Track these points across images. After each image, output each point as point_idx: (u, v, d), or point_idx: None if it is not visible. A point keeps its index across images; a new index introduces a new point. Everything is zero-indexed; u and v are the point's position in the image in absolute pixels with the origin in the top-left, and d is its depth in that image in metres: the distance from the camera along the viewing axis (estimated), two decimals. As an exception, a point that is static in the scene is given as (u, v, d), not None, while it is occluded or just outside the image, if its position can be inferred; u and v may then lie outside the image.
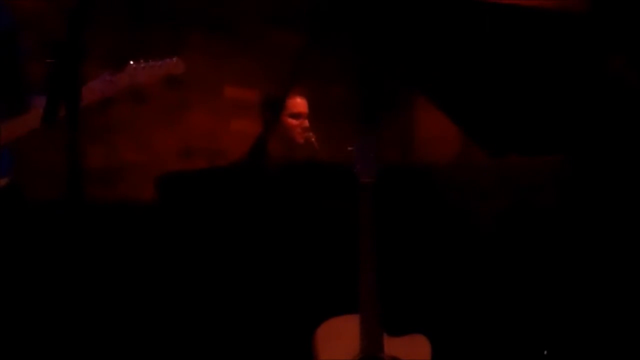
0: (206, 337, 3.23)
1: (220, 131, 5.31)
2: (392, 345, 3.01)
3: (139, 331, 3.56)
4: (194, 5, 5.22)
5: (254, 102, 4.97)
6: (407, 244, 3.24)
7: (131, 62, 3.42)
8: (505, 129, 3.63)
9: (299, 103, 4.26)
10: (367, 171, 3.12)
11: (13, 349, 3.43)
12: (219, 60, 5.29)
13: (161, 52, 4.13)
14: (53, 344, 3.25)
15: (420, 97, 5.03)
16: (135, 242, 3.65)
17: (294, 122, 4.23)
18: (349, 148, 3.17)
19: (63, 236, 2.48)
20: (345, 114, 5.53)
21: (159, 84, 4.93)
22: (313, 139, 4.23)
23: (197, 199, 3.30)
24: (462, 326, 3.22)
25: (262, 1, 5.41)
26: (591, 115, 3.42)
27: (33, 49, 3.35)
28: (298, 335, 3.10)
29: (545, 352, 3.20)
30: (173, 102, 5.17)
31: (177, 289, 3.26)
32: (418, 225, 3.27)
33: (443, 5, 3.39)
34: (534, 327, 3.21)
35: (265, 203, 3.26)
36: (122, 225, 3.73)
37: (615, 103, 3.37)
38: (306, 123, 4.25)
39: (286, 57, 4.55)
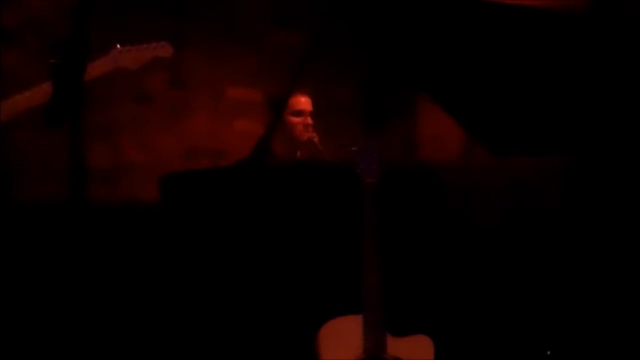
0: (208, 337, 3.22)
1: (223, 131, 5.30)
2: (395, 345, 3.01)
3: (141, 331, 3.56)
4: (196, 5, 5.22)
5: (256, 102, 4.97)
6: (410, 244, 3.24)
7: (117, 46, 3.42)
8: (509, 128, 3.63)
9: (302, 101, 4.24)
10: (370, 171, 3.12)
11: (13, 351, 3.44)
12: (221, 60, 5.29)
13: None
14: (55, 345, 3.25)
15: (423, 97, 5.03)
16: (139, 242, 3.66)
17: (296, 119, 4.21)
18: (352, 148, 3.17)
19: (65, 237, 2.48)
20: (348, 114, 5.53)
21: (163, 84, 4.96)
22: (316, 139, 4.22)
23: (200, 198, 3.29)
24: (465, 327, 3.21)
25: (264, 0, 5.41)
26: (595, 114, 3.41)
27: (37, 48, 3.35)
28: (301, 335, 3.09)
29: (549, 353, 3.19)
30: (176, 103, 5.17)
31: (180, 289, 3.25)
32: (421, 225, 3.27)
33: (446, 5, 3.39)
34: (537, 327, 3.21)
35: (268, 203, 3.25)
36: (125, 225, 3.73)
37: (619, 102, 3.37)
38: (309, 120, 4.23)
39: (289, 57, 4.55)
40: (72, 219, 2.40)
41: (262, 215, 3.24)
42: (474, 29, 3.41)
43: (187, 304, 3.24)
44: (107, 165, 4.90)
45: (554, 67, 3.42)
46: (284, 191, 3.28)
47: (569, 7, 3.36)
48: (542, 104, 3.51)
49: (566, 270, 3.21)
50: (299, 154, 4.22)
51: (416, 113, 5.78)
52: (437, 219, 3.27)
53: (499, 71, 3.50)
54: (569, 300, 3.21)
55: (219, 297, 3.22)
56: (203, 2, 5.23)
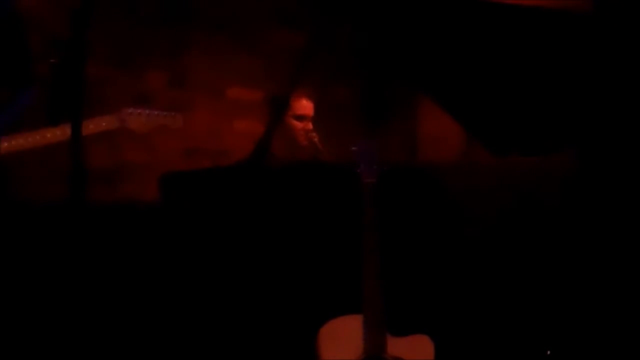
0: (208, 337, 3.23)
1: (223, 131, 5.30)
2: (395, 345, 3.01)
3: (141, 332, 3.56)
4: (197, 5, 5.22)
5: (257, 102, 4.97)
6: (410, 244, 3.24)
7: (128, 109, 3.39)
8: (508, 128, 3.63)
9: (305, 105, 4.25)
10: (370, 171, 3.12)
11: (14, 351, 3.44)
12: (221, 60, 5.29)
13: (163, 52, 4.13)
14: (55, 345, 3.25)
15: (423, 97, 5.03)
16: (139, 243, 3.65)
17: (298, 124, 4.22)
18: (352, 148, 3.17)
19: (66, 237, 2.48)
20: (348, 114, 5.53)
21: (163, 84, 4.95)
22: (316, 139, 4.23)
23: (200, 198, 3.30)
24: (466, 326, 3.21)
25: (264, 0, 5.41)
26: (595, 114, 3.42)
27: (37, 48, 3.35)
28: (301, 335, 3.09)
29: (549, 352, 3.19)
30: (176, 102, 5.16)
31: (180, 289, 3.25)
32: (421, 225, 3.27)
33: (447, 5, 3.39)
34: (537, 327, 3.21)
35: (268, 203, 3.26)
36: (125, 225, 3.73)
37: (620, 102, 3.37)
38: (310, 125, 4.24)
39: (289, 57, 4.55)
40: (72, 219, 2.40)
41: (262, 215, 3.24)
42: (475, 29, 3.41)
43: (188, 304, 3.24)
44: (107, 166, 4.89)
45: (554, 67, 3.42)
46: (284, 191, 3.28)
47: (570, 6, 3.36)
48: (543, 104, 3.51)
49: (566, 270, 3.21)
50: (299, 154, 4.23)
51: (416, 113, 5.78)
52: (436, 219, 3.27)
53: (499, 71, 3.50)
54: (569, 300, 3.21)
55: (219, 297, 3.22)
56: (203, 2, 5.23)
